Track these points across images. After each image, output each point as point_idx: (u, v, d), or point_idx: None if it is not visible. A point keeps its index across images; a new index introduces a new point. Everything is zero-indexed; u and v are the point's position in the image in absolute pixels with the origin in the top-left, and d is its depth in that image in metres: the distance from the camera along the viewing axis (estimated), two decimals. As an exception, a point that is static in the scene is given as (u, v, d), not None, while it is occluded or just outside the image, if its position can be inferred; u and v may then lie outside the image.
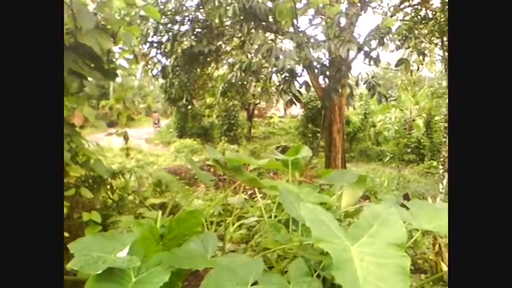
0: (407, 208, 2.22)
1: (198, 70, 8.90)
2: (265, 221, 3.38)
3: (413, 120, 20.14)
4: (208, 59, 8.40)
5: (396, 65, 5.67)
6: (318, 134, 14.87)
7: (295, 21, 6.69)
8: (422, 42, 6.78)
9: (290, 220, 2.59)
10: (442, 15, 4.95)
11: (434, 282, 2.69)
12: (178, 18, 7.83)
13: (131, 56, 2.86)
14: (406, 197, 7.08)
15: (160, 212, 2.53)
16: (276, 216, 3.19)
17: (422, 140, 17.77)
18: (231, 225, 3.57)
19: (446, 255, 2.91)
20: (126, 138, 3.20)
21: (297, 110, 22.51)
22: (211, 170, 7.26)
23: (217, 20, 6.17)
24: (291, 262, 2.08)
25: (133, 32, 2.86)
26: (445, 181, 5.87)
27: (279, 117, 26.61)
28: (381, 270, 1.48)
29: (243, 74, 6.73)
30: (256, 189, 3.86)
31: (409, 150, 17.59)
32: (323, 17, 6.28)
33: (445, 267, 2.64)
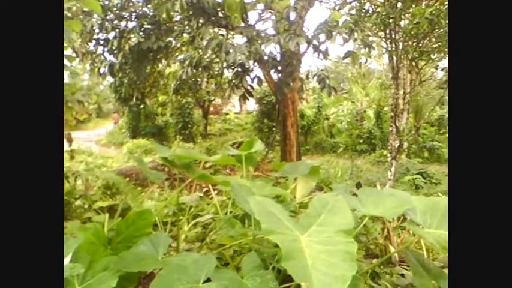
0: (357, 195, 2.28)
1: (148, 67, 8.63)
2: (220, 217, 3.36)
3: (365, 111, 20.90)
4: (158, 56, 8.18)
5: (344, 58, 5.83)
6: (274, 129, 15.02)
7: (245, 15, 6.67)
8: (368, 35, 7.02)
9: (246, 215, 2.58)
10: (384, 9, 5.18)
11: (383, 265, 2.80)
12: (125, 14, 7.54)
13: (70, 52, 2.70)
14: (359, 185, 7.31)
15: (107, 215, 2.42)
16: (231, 212, 3.17)
17: (373, 131, 18.49)
18: (185, 224, 3.51)
19: (394, 238, 3.04)
20: (69, 140, 3.03)
21: (252, 105, 22.60)
22: (166, 169, 7.10)
23: (165, 15, 6.01)
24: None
25: (73, 27, 2.70)
26: (393, 168, 6.16)
27: (235, 113, 26.58)
28: (330, 257, 1.50)
29: (194, 70, 6.62)
30: (210, 186, 3.82)
31: (361, 141, 18.25)
32: (273, 11, 6.31)
33: (392, 249, 2.75)
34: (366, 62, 9.11)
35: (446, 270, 2.00)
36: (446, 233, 2.06)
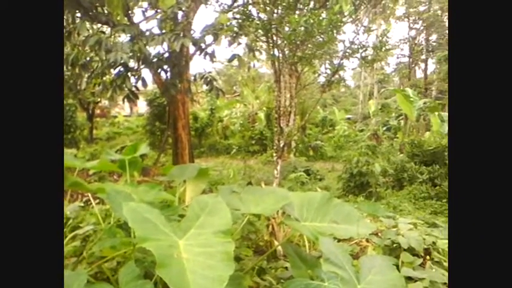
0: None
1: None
2: (101, 228, 3.11)
3: (256, 113, 21.72)
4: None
5: (229, 61, 5.96)
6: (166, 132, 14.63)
7: (129, 13, 6.33)
8: (256, 40, 7.30)
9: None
10: (265, 14, 5.45)
11: (268, 259, 2.91)
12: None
13: None
14: (250, 185, 7.54)
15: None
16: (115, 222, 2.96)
17: (264, 132, 19.30)
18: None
19: (279, 234, 3.18)
20: None
21: (144, 107, 21.69)
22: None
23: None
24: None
25: None
26: (279, 167, 6.52)
27: (125, 116, 25.19)
28: (208, 259, 1.49)
29: (70, 68, 6.04)
30: (90, 195, 3.51)
31: (253, 142, 18.91)
32: (159, 10, 6.12)
33: (276, 243, 2.87)
34: (254, 66, 9.46)
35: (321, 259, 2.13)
36: (320, 224, 2.22)
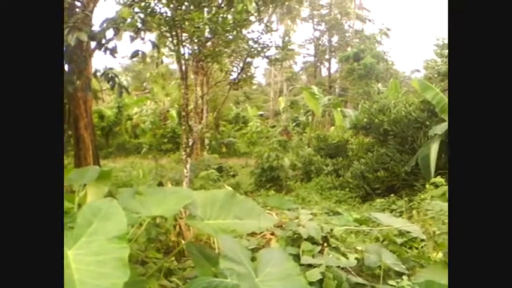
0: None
1: None
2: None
3: (168, 111, 21.16)
4: None
5: (131, 57, 5.70)
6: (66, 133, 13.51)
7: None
8: (163, 36, 7.08)
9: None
10: (169, 10, 5.32)
11: (179, 260, 2.88)
12: None
13: None
14: (160, 184, 7.33)
15: None
16: None
17: (176, 130, 18.91)
18: None
19: (187, 233, 3.15)
20: None
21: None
22: None
23: None
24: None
25: None
26: (188, 165, 6.45)
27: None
28: (101, 267, 1.42)
29: None
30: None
31: (165, 140, 18.43)
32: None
33: (183, 242, 2.85)
34: (162, 63, 9.18)
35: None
36: (224, 221, 2.25)
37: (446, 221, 3.00)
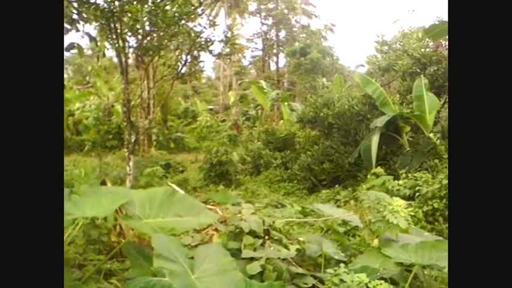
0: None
1: None
2: None
3: (112, 106, 20.31)
4: None
5: (66, 50, 5.38)
6: None
7: None
8: (104, 28, 6.74)
9: None
10: (106, 2, 5.08)
11: (114, 257, 2.81)
12: None
13: None
14: (104, 183, 7.03)
15: None
16: None
17: (122, 125, 18.19)
18: None
19: (128, 233, 3.07)
20: None
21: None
22: None
23: None
24: None
25: None
26: (131, 163, 6.25)
27: None
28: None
29: None
30: None
31: (110, 137, 17.69)
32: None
33: (123, 240, 2.79)
34: (104, 56, 8.76)
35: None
36: (163, 219, 2.23)
37: (381, 209, 3.17)
